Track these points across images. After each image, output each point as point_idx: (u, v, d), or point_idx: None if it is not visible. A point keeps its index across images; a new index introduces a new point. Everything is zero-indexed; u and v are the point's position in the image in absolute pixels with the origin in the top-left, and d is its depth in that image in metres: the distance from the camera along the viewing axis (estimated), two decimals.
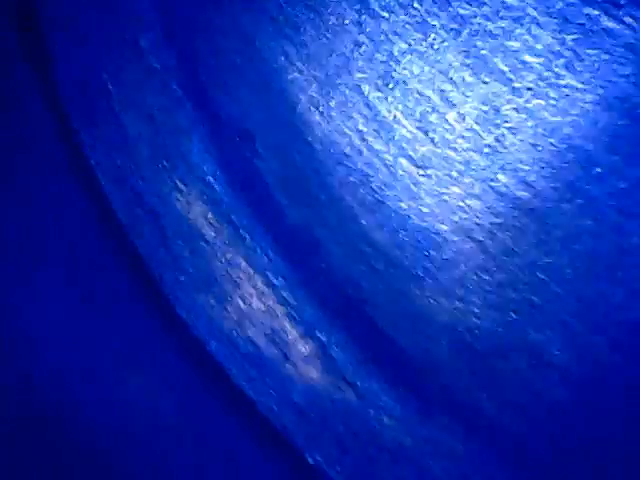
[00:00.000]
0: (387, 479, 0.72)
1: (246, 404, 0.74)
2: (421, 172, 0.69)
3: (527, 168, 0.66)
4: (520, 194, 0.67)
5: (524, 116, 0.66)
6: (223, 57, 0.74)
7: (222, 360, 0.74)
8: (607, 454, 0.67)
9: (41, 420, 0.72)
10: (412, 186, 0.69)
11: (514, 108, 0.66)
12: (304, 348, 0.73)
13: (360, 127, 0.70)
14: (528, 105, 0.66)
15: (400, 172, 0.69)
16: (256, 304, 0.74)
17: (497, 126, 0.67)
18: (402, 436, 0.71)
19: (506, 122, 0.67)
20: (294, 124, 0.72)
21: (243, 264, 0.74)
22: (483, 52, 0.66)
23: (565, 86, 0.65)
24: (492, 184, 0.67)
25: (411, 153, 0.69)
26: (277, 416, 0.73)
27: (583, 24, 0.64)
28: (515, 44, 0.66)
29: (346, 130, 0.70)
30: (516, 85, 0.66)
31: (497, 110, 0.67)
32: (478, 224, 0.68)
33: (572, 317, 0.67)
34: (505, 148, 0.67)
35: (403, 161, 0.69)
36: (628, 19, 0.64)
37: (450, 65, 0.67)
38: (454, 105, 0.67)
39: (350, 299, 0.72)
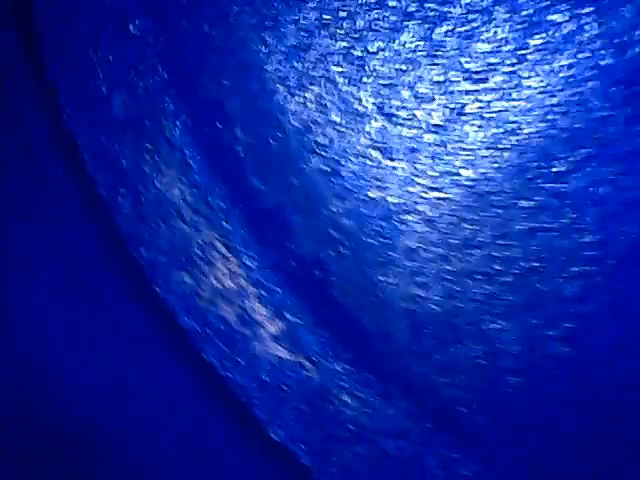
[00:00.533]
0: (347, 457, 0.74)
1: (215, 379, 0.76)
2: (389, 163, 0.72)
3: (489, 165, 0.69)
4: (481, 189, 0.70)
5: (488, 115, 0.69)
6: (208, 44, 0.76)
7: (194, 335, 0.77)
8: (557, 441, 0.70)
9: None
10: (380, 177, 0.72)
11: (479, 107, 0.69)
12: (273, 328, 0.76)
13: (334, 118, 0.73)
14: (492, 105, 0.69)
15: (369, 163, 0.72)
16: (229, 284, 0.77)
17: (462, 124, 0.70)
18: (362, 416, 0.74)
19: (471, 120, 0.70)
20: (272, 112, 0.75)
21: (218, 245, 0.77)
22: (452, 52, 0.69)
23: (528, 88, 0.68)
24: (455, 178, 0.70)
25: (380, 145, 0.72)
26: (244, 392, 0.75)
27: (548, 30, 0.67)
28: (483, 46, 0.68)
29: (320, 121, 0.73)
30: (482, 86, 0.69)
31: (463, 108, 0.69)
32: (441, 215, 0.71)
33: (526, 309, 0.69)
34: (469, 145, 0.70)
35: (373, 152, 0.72)
36: (595, 25, 0.67)
37: (421, 63, 0.70)
38: (423, 101, 0.70)
39: (318, 282, 0.75)
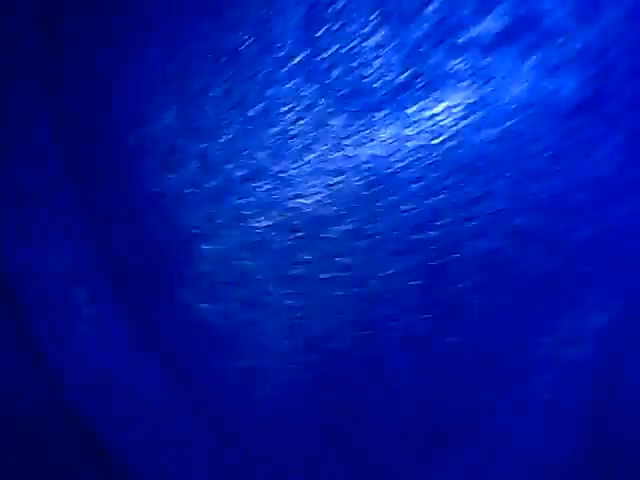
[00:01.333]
0: (140, 427, 0.79)
1: (39, 352, 0.80)
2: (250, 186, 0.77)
3: (326, 194, 0.75)
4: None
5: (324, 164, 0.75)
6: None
7: (30, 311, 0.80)
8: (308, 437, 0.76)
9: None
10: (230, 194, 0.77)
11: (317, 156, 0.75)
12: (91, 311, 0.80)
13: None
14: (328, 156, 0.75)
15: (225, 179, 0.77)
16: (67, 267, 0.81)
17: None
18: (155, 395, 0.78)
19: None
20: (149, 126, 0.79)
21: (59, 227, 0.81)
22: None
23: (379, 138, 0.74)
24: (298, 201, 0.76)
25: (231, 167, 0.77)
26: (64, 371, 0.79)
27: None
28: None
29: (188, 135, 0.77)
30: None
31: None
32: (280, 242, 0.76)
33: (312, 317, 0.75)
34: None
35: (227, 166, 0.77)
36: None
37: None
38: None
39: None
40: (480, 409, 0.72)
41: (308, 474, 0.75)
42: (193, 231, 0.76)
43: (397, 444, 0.74)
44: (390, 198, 0.73)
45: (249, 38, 0.75)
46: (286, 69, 0.74)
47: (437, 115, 0.72)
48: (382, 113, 0.73)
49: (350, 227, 0.73)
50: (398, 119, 0.73)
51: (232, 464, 0.77)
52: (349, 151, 0.74)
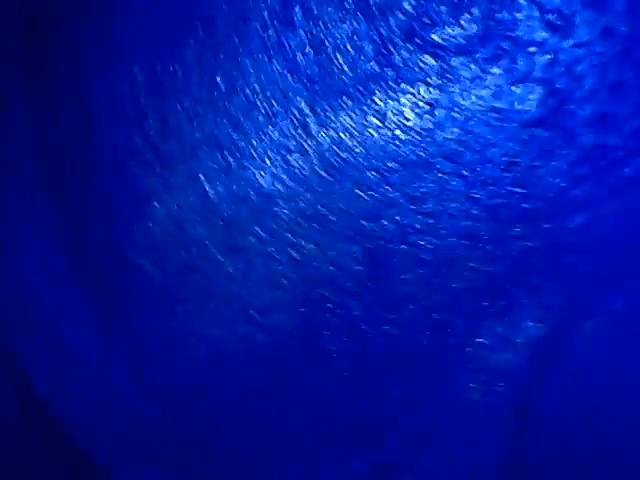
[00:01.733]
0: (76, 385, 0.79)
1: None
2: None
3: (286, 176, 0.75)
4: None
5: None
6: None
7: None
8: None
9: None
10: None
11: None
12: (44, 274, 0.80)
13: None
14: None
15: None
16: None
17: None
18: (94, 353, 0.79)
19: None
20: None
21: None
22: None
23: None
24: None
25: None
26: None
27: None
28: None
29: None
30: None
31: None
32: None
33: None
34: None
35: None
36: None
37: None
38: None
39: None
40: (405, 404, 0.73)
41: (226, 444, 0.76)
42: (147, 193, 0.77)
43: (316, 430, 0.75)
44: (347, 184, 0.74)
45: (224, 6, 0.76)
46: (259, 42, 0.75)
47: (403, 108, 0.74)
48: (349, 99, 0.74)
49: (304, 206, 0.74)
50: (364, 107, 0.74)
51: (155, 422, 0.77)
52: (312, 131, 0.75)
